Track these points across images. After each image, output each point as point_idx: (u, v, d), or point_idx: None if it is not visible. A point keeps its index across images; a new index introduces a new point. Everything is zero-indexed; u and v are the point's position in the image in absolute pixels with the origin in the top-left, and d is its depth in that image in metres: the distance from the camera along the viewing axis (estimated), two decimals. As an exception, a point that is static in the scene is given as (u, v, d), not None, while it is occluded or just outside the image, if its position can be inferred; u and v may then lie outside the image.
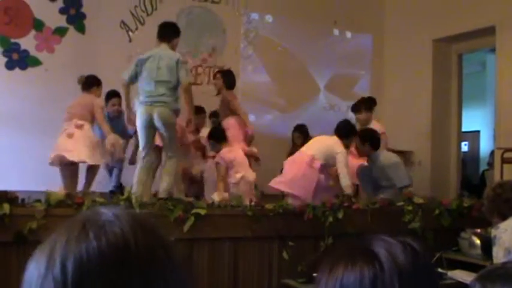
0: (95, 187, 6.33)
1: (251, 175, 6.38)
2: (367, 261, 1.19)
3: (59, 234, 0.95)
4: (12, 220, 4.05)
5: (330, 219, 5.21)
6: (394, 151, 8.90)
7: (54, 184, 6.24)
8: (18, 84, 7.23)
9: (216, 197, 5.66)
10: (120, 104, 6.73)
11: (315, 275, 3.50)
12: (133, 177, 5.75)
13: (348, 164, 6.18)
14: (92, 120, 6.26)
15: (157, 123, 5.56)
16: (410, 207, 5.70)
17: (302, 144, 6.85)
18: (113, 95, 6.82)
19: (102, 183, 6.80)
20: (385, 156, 6.66)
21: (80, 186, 6.20)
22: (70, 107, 6.24)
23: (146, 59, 5.62)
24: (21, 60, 7.32)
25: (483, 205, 4.25)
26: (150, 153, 5.80)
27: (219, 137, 6.56)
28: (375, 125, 7.14)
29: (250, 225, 5.01)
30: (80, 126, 6.03)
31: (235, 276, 5.04)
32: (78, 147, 5.95)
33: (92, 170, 6.30)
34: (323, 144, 6.26)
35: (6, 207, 4.00)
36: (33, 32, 7.40)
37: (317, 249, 5.19)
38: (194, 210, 4.73)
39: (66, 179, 6.07)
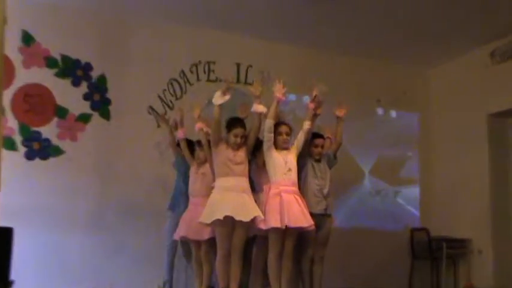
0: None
1: None
2: None
3: None
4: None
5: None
6: (450, 240, 8.26)
7: (76, 282, 5.96)
8: (38, 175, 6.83)
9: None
10: None
11: None
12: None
13: None
14: None
15: None
16: (473, 301, 5.07)
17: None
18: None
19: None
20: None
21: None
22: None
23: None
24: (42, 150, 6.92)
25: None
26: None
27: None
28: None
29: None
30: None
31: None
32: None
33: None
34: None
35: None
36: (55, 120, 7.04)
37: None
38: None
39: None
